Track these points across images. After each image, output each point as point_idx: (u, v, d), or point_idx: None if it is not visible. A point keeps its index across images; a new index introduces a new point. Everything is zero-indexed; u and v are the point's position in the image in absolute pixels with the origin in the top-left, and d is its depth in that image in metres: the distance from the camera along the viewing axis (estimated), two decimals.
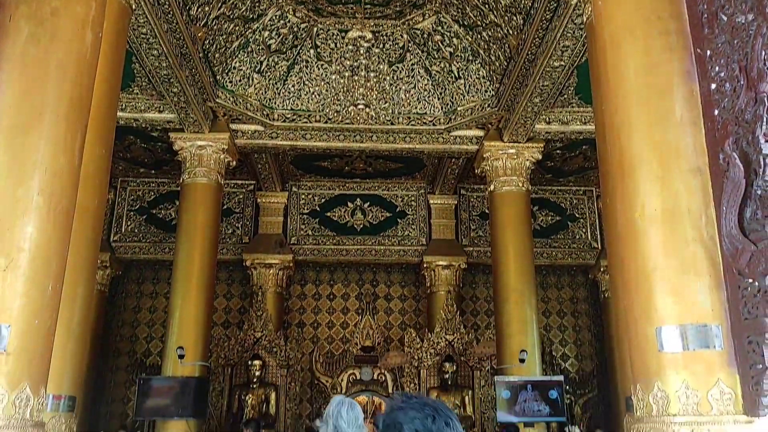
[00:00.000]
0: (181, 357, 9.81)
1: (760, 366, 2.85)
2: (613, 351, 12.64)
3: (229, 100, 10.20)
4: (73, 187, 3.35)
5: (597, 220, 13.35)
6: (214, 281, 10.75)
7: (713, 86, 3.22)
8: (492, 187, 10.86)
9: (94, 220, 5.61)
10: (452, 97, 10.64)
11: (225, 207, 13.04)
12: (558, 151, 11.70)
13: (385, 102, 10.79)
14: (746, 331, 2.94)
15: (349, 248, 13.24)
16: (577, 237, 13.40)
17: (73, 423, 5.41)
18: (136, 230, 13.12)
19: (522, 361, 9.86)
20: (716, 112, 3.19)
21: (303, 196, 13.52)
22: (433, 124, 10.86)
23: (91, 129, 4.66)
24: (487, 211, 13.33)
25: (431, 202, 13.51)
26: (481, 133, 10.93)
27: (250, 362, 11.58)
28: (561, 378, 10.25)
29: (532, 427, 9.79)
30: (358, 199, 13.56)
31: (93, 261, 5.68)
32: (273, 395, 11.60)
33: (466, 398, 11.70)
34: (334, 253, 13.25)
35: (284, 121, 10.76)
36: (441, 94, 10.69)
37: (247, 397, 11.48)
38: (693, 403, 2.99)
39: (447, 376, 11.62)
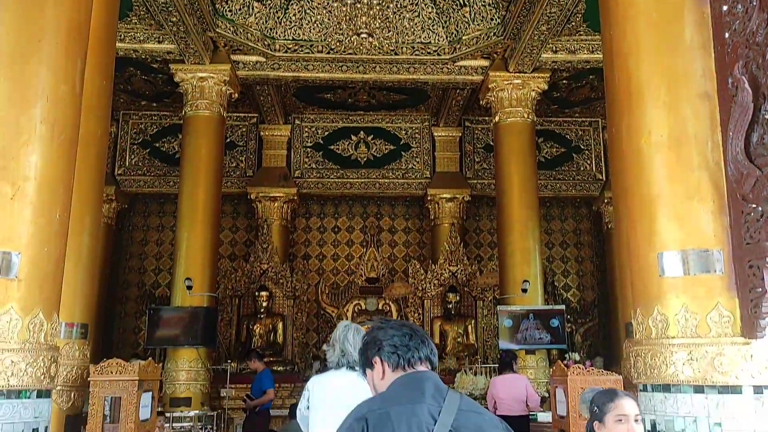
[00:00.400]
0: (189, 288, 9.99)
1: (760, 289, 2.90)
2: (615, 281, 12.80)
3: (229, 29, 9.99)
4: (75, 116, 3.33)
5: (602, 152, 13.27)
6: (219, 213, 10.82)
7: (725, 8, 3.14)
8: (497, 119, 10.75)
9: (98, 150, 5.61)
10: (457, 26, 10.40)
11: (228, 140, 12.97)
12: (564, 82, 11.52)
13: (389, 31, 10.55)
14: (747, 255, 2.97)
15: (353, 181, 13.24)
16: (582, 169, 13.36)
17: (87, 349, 5.57)
18: (140, 164, 13.12)
19: (524, 290, 10.01)
20: (727, 35, 3.12)
21: (306, 129, 13.43)
22: (438, 54, 10.65)
23: (90, 59, 4.59)
24: (491, 143, 13.25)
25: (435, 134, 13.41)
26: (486, 63, 10.74)
27: (257, 293, 11.82)
28: (562, 307, 10.45)
29: (533, 354, 10.03)
30: (362, 132, 13.47)
31: (99, 191, 5.72)
32: (280, 325, 11.89)
33: (469, 327, 11.96)
34: (338, 187, 13.26)
35: (286, 51, 10.56)
36: (446, 22, 10.44)
37: (254, 327, 11.77)
38: (692, 326, 3.04)
39: (450, 306, 11.86)
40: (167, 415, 9.35)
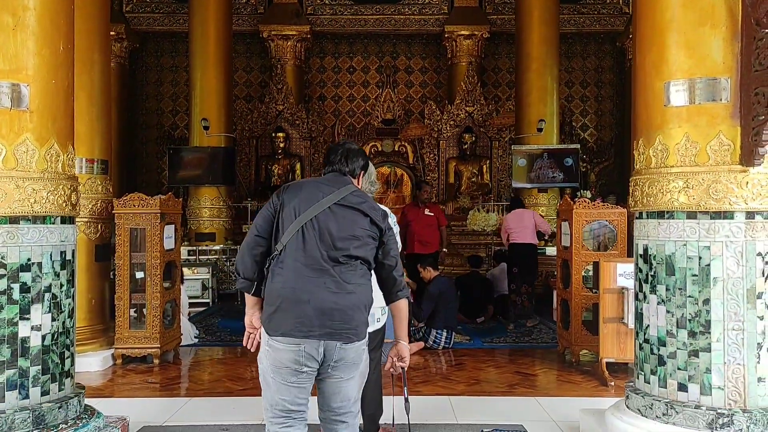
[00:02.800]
0: (206, 128, 10.12)
1: (762, 117, 2.88)
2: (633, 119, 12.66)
3: None
4: None
5: None
6: (231, 51, 10.65)
7: None
8: None
9: None
10: None
11: None
12: None
13: None
14: (755, 82, 2.92)
15: (368, 18, 12.78)
16: (608, 1, 12.70)
17: (109, 184, 5.78)
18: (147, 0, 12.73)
19: (540, 130, 10.00)
20: None
21: None
22: None
23: None
24: None
25: None
26: None
27: (273, 134, 11.92)
28: (577, 146, 10.47)
29: (545, 192, 10.22)
30: None
31: (105, 25, 5.64)
32: (298, 165, 12.10)
33: (484, 167, 12.09)
34: (353, 24, 12.83)
35: None
36: None
37: (273, 167, 12.01)
38: (691, 154, 3.06)
39: (466, 146, 11.91)
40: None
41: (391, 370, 2.70)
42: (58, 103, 3.23)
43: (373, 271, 2.57)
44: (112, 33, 12.36)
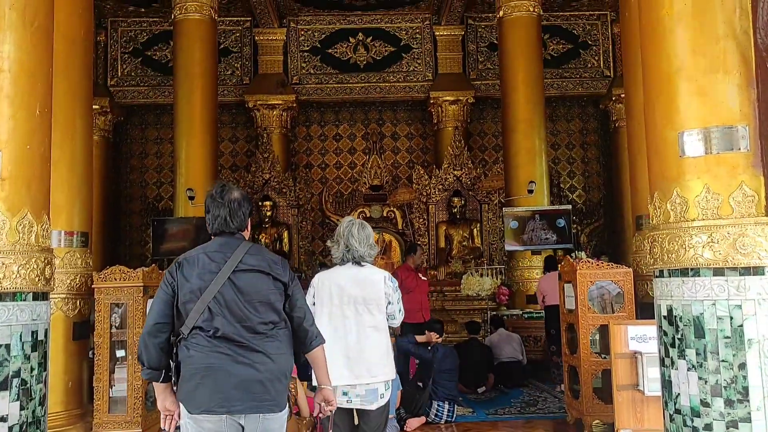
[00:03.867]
0: (191, 198, 9.89)
1: None
2: (621, 179, 12.64)
3: None
4: (47, 2, 3.06)
5: (611, 47, 12.78)
6: (216, 121, 10.56)
7: None
8: (501, 13, 10.28)
9: (83, 50, 5.33)
10: None
11: (222, 46, 12.52)
12: None
13: None
14: None
15: (353, 86, 12.84)
16: (589, 65, 12.91)
17: (89, 258, 5.49)
18: (132, 74, 12.72)
19: (530, 191, 9.88)
20: None
21: (302, 32, 12.90)
22: None
23: None
24: (495, 41, 12.76)
25: (437, 33, 12.88)
26: None
27: (260, 203, 11.72)
28: (569, 207, 10.35)
29: (538, 254, 10.01)
30: (360, 34, 12.94)
31: (87, 93, 5.47)
32: (285, 234, 11.86)
33: (475, 231, 11.92)
34: (338, 92, 12.87)
35: None
36: None
37: (259, 236, 11.74)
38: (713, 207, 2.88)
39: (455, 210, 11.77)
40: None
41: (320, 414, 2.67)
42: (32, 170, 3.01)
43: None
44: (96, 107, 12.38)
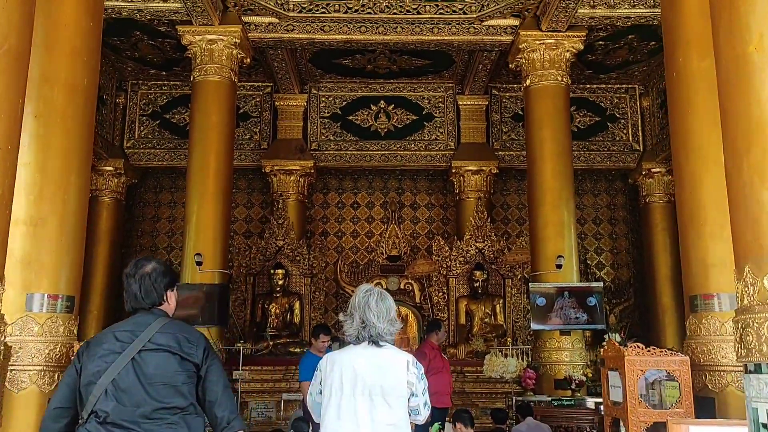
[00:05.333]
0: (198, 264, 9.38)
1: None
2: (653, 257, 12.00)
3: None
4: (22, 23, 2.64)
5: (640, 121, 12.39)
6: (231, 185, 10.19)
7: None
8: (528, 82, 9.94)
9: (85, 99, 4.95)
10: None
11: (241, 111, 12.33)
12: (600, 42, 10.66)
13: None
14: None
15: (373, 153, 12.50)
16: (618, 139, 12.49)
17: (73, 325, 4.93)
18: (149, 136, 12.51)
19: (559, 267, 9.26)
20: None
21: (323, 99, 12.70)
22: (464, 12, 9.85)
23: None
24: (520, 112, 12.48)
25: (460, 103, 12.61)
26: (516, 22, 9.93)
27: (272, 271, 11.17)
28: (600, 284, 9.67)
29: (567, 335, 9.29)
30: (382, 101, 12.71)
31: (86, 146, 5.05)
32: (297, 304, 11.25)
33: (497, 307, 11.24)
34: (357, 159, 12.52)
35: (300, 11, 9.83)
36: None
37: (270, 306, 11.14)
38: None
39: (477, 284, 11.13)
40: None
41: None
42: None
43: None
44: (110, 168, 12.13)
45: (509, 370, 8.86)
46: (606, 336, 9.09)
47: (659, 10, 9.28)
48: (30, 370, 4.19)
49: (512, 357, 9.17)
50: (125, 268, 2.63)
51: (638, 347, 4.64)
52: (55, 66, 4.55)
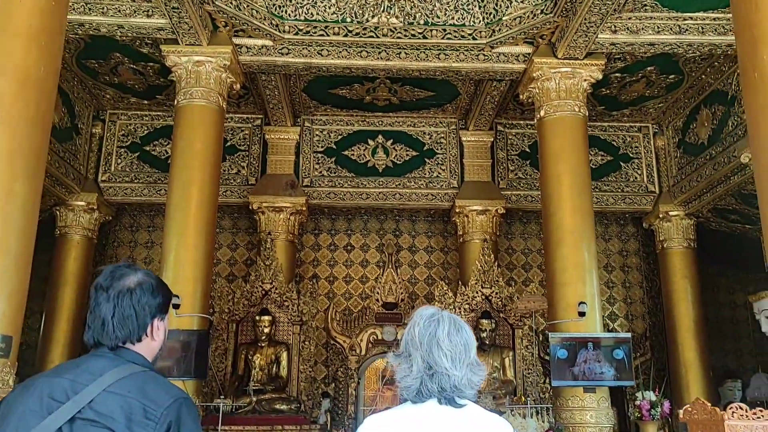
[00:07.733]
0: (176, 307, 8.25)
1: None
2: (673, 308, 11.06)
3: (231, 3, 8.51)
4: None
5: (654, 161, 11.65)
6: (214, 222, 9.17)
7: None
8: (542, 113, 9.16)
9: (40, 93, 3.98)
10: (496, 4, 8.90)
11: (229, 144, 11.43)
12: (616, 74, 9.98)
13: (416, 11, 9.06)
14: None
15: (370, 191, 11.59)
16: (631, 179, 11.70)
17: (9, 372, 3.83)
18: (127, 169, 11.50)
19: (582, 314, 8.27)
20: None
21: (317, 132, 11.85)
22: (473, 38, 9.14)
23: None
24: (527, 149, 11.74)
25: (464, 139, 11.81)
26: (529, 49, 9.23)
27: (258, 317, 10.02)
28: (629, 335, 8.67)
29: (592, 392, 8.23)
30: (380, 136, 11.88)
31: (39, 151, 4.06)
32: (284, 355, 10.08)
33: (506, 360, 10.17)
34: (353, 197, 11.59)
35: (296, 33, 9.06)
36: (483, 0, 8.95)
37: (254, 357, 9.97)
38: None
39: (484, 334, 10.06)
40: None
41: None
42: None
43: None
44: (81, 203, 11.05)
45: (528, 431, 7.76)
46: (637, 394, 8.09)
47: (686, 37, 8.70)
48: None
49: (531, 418, 8.09)
50: (97, 276, 1.77)
51: (740, 408, 3.63)
52: (4, 49, 3.59)
